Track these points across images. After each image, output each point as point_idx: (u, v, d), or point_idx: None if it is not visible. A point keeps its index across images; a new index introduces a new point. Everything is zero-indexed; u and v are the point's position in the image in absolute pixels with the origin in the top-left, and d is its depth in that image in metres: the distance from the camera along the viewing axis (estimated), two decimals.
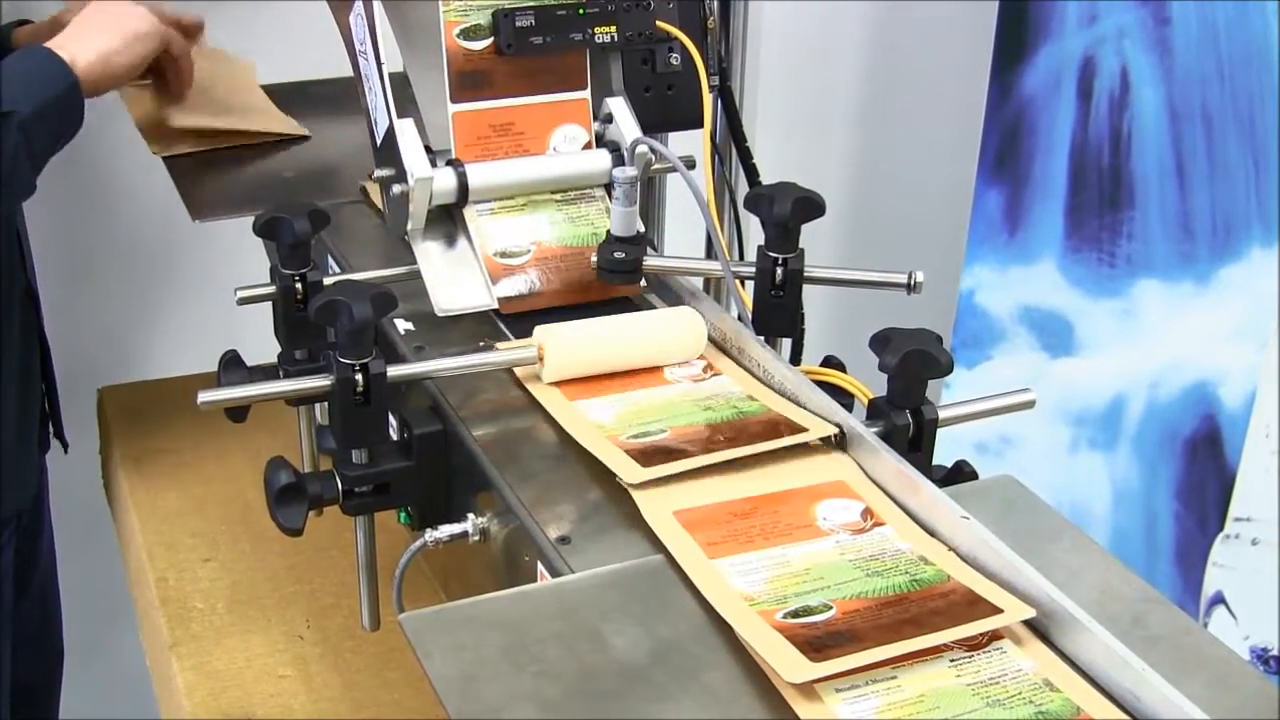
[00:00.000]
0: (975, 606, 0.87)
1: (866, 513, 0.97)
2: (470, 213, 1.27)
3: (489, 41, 1.26)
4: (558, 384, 1.12)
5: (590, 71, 1.31)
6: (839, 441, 1.03)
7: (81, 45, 1.42)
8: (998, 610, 0.86)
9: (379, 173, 1.25)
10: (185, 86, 1.60)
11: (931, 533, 0.95)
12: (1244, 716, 0.81)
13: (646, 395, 1.11)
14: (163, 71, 1.57)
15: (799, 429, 1.03)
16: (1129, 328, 2.10)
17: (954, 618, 0.86)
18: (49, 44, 1.41)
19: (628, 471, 0.98)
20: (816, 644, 0.83)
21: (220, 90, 1.66)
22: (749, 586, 0.89)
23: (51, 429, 1.79)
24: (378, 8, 1.22)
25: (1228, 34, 1.96)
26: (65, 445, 1.81)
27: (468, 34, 1.25)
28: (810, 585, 0.90)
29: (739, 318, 1.20)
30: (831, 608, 0.87)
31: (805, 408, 1.07)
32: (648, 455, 1.00)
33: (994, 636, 0.86)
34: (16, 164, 1.35)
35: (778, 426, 1.04)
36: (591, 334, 1.17)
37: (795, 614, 0.87)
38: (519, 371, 1.15)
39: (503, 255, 1.25)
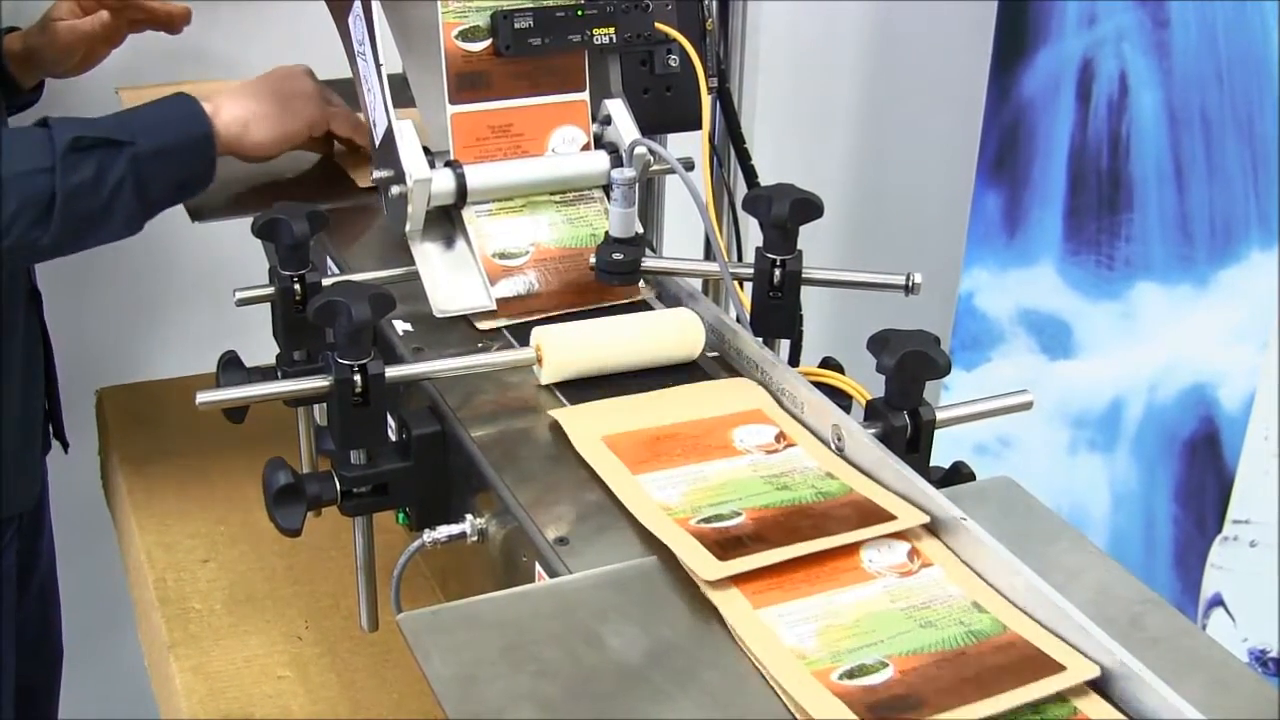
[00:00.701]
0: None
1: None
2: (469, 214, 1.27)
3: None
4: (616, 449, 1.04)
5: (589, 73, 1.31)
6: (930, 527, 0.95)
7: (231, 102, 1.43)
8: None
9: (378, 174, 1.25)
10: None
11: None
12: (1243, 718, 0.81)
13: (716, 470, 1.01)
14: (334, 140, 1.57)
15: (887, 516, 0.94)
16: (1128, 330, 2.10)
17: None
18: (205, 95, 1.42)
19: (704, 567, 0.88)
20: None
21: None
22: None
23: (52, 429, 1.79)
24: (376, 9, 1.22)
25: (1227, 37, 1.96)
26: (65, 445, 1.81)
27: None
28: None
29: (737, 319, 1.20)
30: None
31: (882, 483, 0.98)
32: (724, 546, 0.91)
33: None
34: (118, 196, 1.34)
35: (865, 515, 0.95)
36: (589, 335, 1.17)
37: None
38: (569, 430, 1.06)
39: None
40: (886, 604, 0.88)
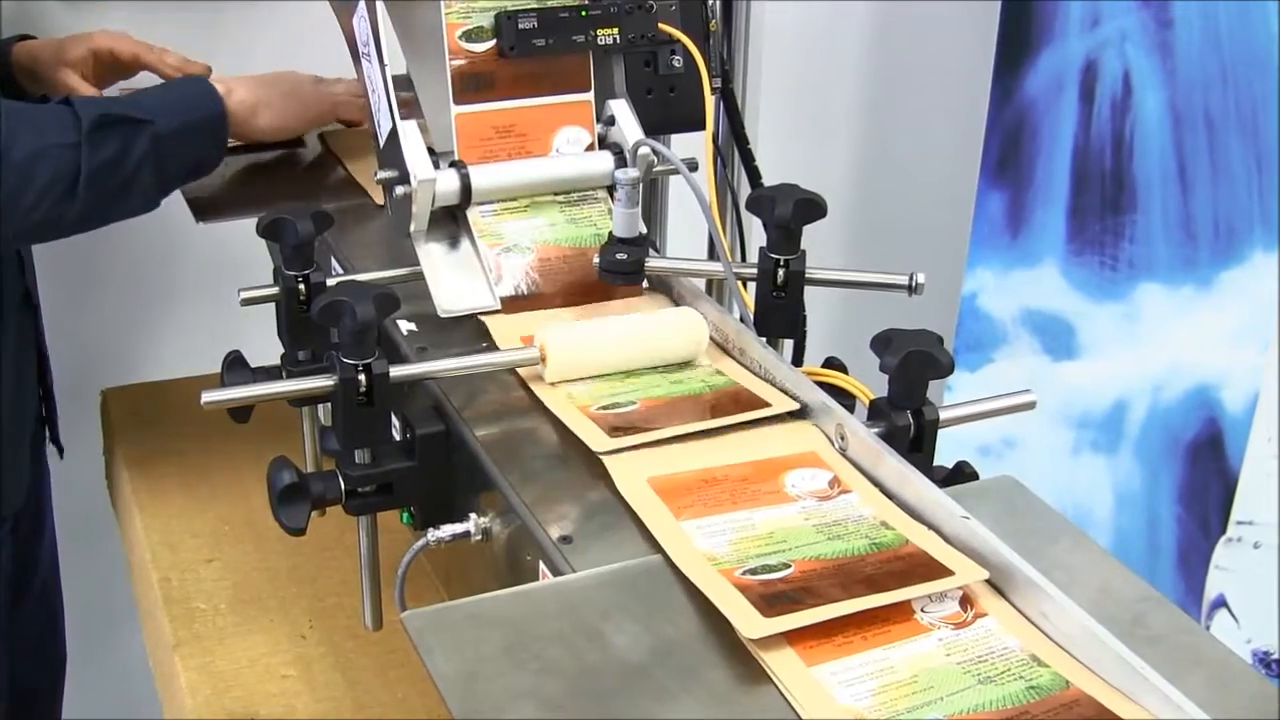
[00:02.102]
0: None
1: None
2: (473, 214, 1.27)
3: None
4: (658, 490, 1.00)
5: (593, 73, 1.31)
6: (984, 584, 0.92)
7: (242, 86, 1.48)
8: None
9: (382, 174, 1.25)
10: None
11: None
12: (1244, 717, 0.81)
13: (765, 517, 0.97)
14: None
15: (945, 572, 0.90)
16: (1131, 331, 2.10)
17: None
18: (218, 77, 1.48)
19: (748, 624, 0.84)
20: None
21: None
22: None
23: (49, 434, 1.79)
24: (380, 10, 1.22)
25: (1230, 37, 1.96)
26: (60, 451, 1.81)
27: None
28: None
29: (741, 319, 1.20)
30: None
31: (941, 533, 0.94)
32: (770, 601, 0.87)
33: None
34: (139, 173, 1.38)
35: (921, 570, 0.90)
36: (593, 334, 1.17)
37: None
38: (613, 472, 1.02)
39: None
40: (942, 659, 0.84)
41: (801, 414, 1.07)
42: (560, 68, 1.30)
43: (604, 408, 1.03)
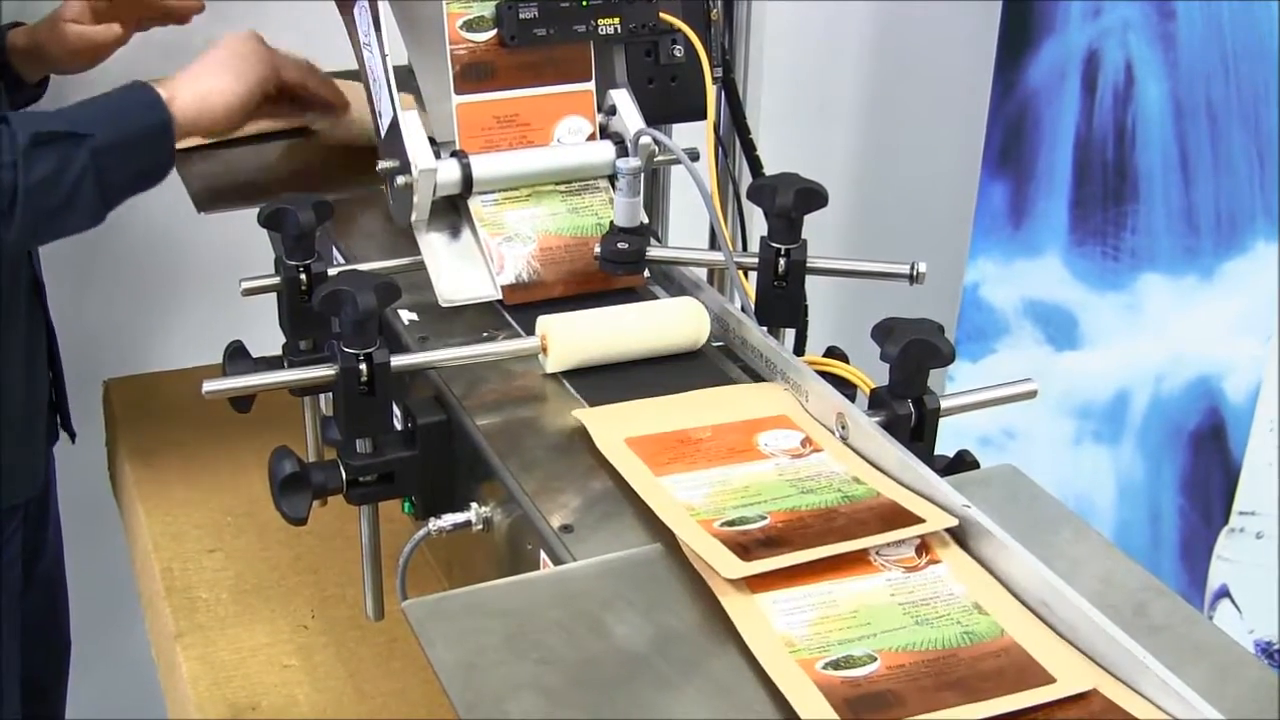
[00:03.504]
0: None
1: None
2: (474, 204, 1.27)
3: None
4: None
5: (594, 63, 1.31)
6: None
7: (184, 84, 1.43)
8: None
9: (384, 164, 1.25)
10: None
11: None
12: (1246, 705, 0.81)
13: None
14: (295, 101, 1.56)
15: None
16: (1133, 321, 2.10)
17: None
18: (159, 80, 1.42)
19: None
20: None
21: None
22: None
23: (59, 420, 1.79)
24: None
25: (1232, 27, 1.95)
26: (73, 436, 1.82)
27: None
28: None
29: (742, 308, 1.20)
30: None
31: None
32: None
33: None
34: (80, 188, 1.34)
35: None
36: (594, 324, 1.17)
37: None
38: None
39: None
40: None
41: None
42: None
43: (729, 523, 0.92)
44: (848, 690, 0.79)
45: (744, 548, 0.89)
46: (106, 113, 1.38)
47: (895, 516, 0.93)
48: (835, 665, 0.81)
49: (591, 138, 1.31)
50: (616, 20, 1.29)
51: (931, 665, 0.81)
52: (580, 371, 1.15)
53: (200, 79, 1.44)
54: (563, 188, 1.29)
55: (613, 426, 1.06)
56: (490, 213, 1.27)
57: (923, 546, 0.91)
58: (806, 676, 0.80)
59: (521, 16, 1.25)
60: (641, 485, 0.98)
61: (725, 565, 0.87)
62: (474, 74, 1.27)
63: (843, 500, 0.96)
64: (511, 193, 1.28)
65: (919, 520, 0.91)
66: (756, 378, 1.16)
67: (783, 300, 1.20)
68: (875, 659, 0.82)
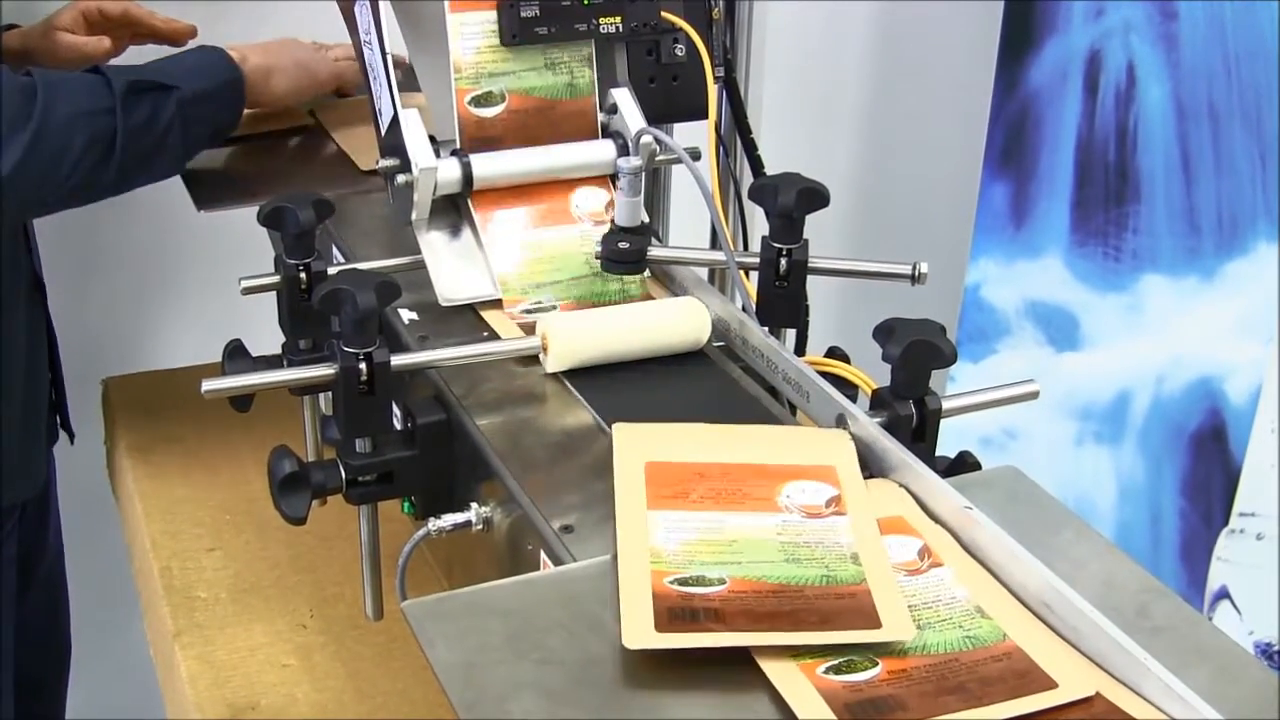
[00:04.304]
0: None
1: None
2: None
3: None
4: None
5: (595, 61, 1.31)
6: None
7: (254, 53, 1.55)
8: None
9: (383, 162, 1.25)
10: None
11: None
12: (1247, 707, 0.80)
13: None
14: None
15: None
16: (1134, 322, 2.10)
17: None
18: (231, 45, 1.54)
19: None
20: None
21: None
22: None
23: (59, 420, 1.79)
24: None
25: (1234, 29, 1.95)
26: (71, 436, 1.81)
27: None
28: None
29: (743, 308, 1.20)
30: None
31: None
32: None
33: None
34: (168, 137, 1.44)
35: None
36: (595, 323, 1.17)
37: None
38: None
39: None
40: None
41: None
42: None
43: (683, 581, 0.85)
44: (848, 695, 0.78)
45: (674, 614, 0.82)
46: (186, 69, 1.48)
47: (864, 615, 0.83)
48: (837, 670, 0.80)
49: (609, 207, 1.29)
50: (618, 19, 1.29)
51: (933, 670, 0.81)
52: (581, 371, 1.15)
53: (270, 56, 1.56)
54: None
55: (640, 445, 1.00)
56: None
57: (925, 550, 0.90)
58: (807, 680, 0.80)
59: (523, 15, 1.25)
60: (626, 516, 0.92)
61: (633, 631, 0.81)
62: (482, 145, 1.26)
63: (822, 580, 0.87)
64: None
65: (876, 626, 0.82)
66: (757, 378, 1.16)
67: (784, 300, 1.20)
68: (877, 664, 0.81)
